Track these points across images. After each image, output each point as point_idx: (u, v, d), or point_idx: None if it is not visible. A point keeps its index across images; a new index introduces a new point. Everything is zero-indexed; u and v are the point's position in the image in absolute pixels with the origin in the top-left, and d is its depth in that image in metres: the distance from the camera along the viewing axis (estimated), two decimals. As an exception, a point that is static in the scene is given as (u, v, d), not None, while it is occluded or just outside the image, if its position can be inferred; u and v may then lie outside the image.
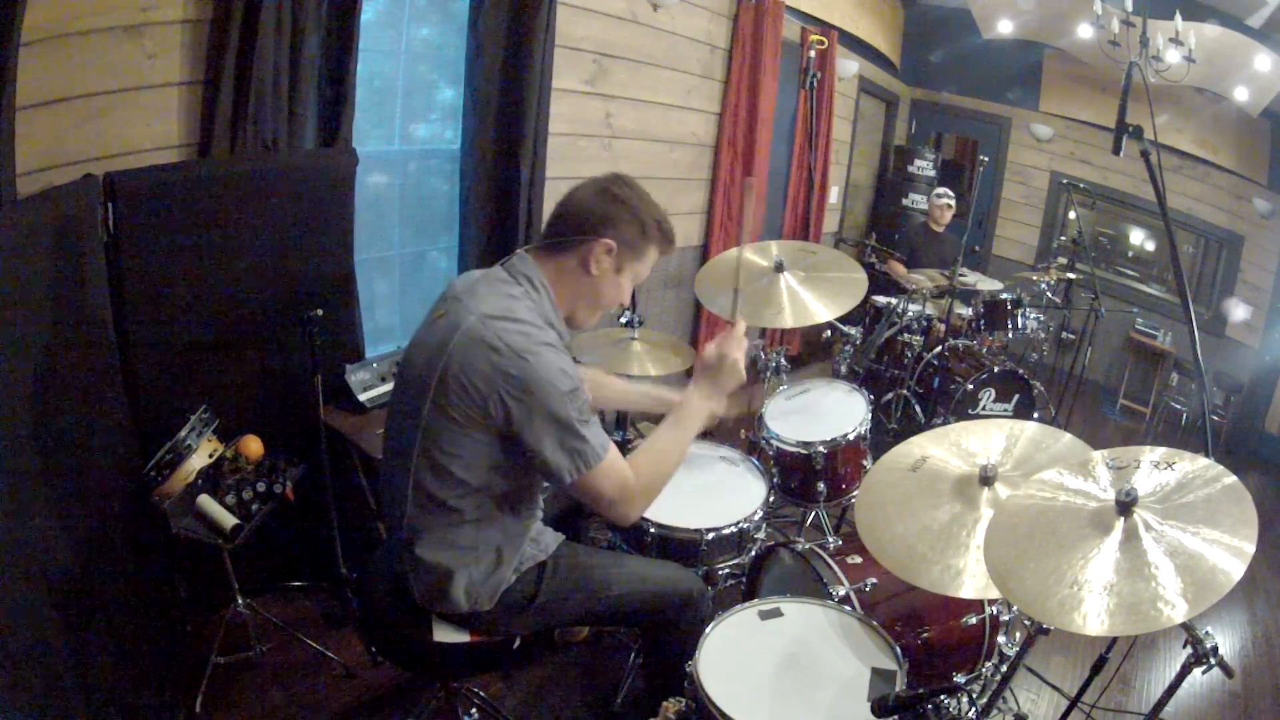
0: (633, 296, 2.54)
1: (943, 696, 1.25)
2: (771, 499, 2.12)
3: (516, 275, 1.46)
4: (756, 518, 2.01)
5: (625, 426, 2.75)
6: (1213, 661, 1.21)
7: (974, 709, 1.51)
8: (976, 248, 5.66)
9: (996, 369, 3.78)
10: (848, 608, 1.67)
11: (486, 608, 1.51)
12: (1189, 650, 1.22)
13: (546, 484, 1.64)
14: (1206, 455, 1.29)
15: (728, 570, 2.00)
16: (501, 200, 2.85)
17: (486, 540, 1.47)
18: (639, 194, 1.50)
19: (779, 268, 2.38)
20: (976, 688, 1.82)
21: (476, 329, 1.34)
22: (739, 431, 2.64)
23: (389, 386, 2.38)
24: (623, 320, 2.55)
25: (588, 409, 1.40)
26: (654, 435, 1.56)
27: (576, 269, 1.47)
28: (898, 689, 1.37)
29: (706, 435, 2.70)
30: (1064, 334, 5.20)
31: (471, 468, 1.39)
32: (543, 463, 1.37)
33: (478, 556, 1.47)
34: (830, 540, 2.02)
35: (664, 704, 1.43)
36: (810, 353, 5.29)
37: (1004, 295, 4.14)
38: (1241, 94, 4.61)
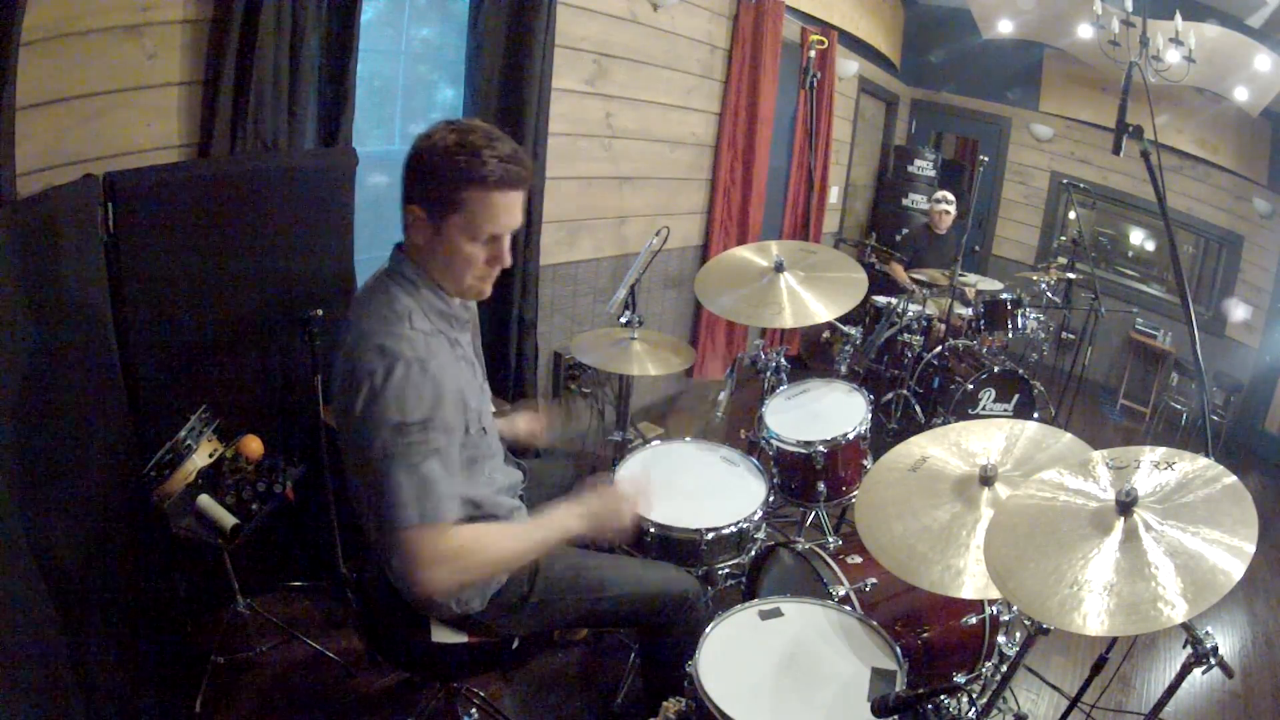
0: (633, 296, 2.55)
1: (943, 696, 1.25)
2: (771, 499, 2.12)
3: (392, 273, 1.40)
4: (756, 518, 2.01)
5: (625, 426, 2.74)
6: (1213, 661, 1.20)
7: (974, 709, 1.52)
8: (977, 248, 5.66)
9: (996, 369, 3.78)
10: (848, 608, 1.67)
11: (478, 608, 1.50)
12: (1189, 650, 1.22)
13: (513, 483, 1.64)
14: (1206, 455, 1.29)
15: (728, 570, 2.00)
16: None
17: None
18: (438, 141, 1.29)
19: (779, 268, 2.38)
20: (976, 688, 1.82)
21: (351, 349, 1.31)
22: (739, 431, 2.63)
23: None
24: (623, 320, 2.55)
25: (428, 446, 1.25)
26: (505, 527, 1.49)
27: (415, 243, 1.37)
28: (898, 689, 1.37)
29: (706, 435, 2.70)
30: (1064, 334, 5.20)
31: None
32: (373, 493, 1.28)
33: None
34: (830, 540, 2.02)
35: (664, 704, 1.43)
36: (810, 349, 5.29)
37: (1004, 295, 4.14)
38: (1241, 94, 4.61)
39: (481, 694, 2.05)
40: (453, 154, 1.27)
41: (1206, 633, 1.21)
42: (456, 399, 1.35)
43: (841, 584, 1.78)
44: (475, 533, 1.35)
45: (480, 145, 1.27)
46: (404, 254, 1.40)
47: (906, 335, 4.07)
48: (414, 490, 1.25)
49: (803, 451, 2.32)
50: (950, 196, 4.93)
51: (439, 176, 1.29)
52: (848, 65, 5.25)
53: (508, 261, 1.40)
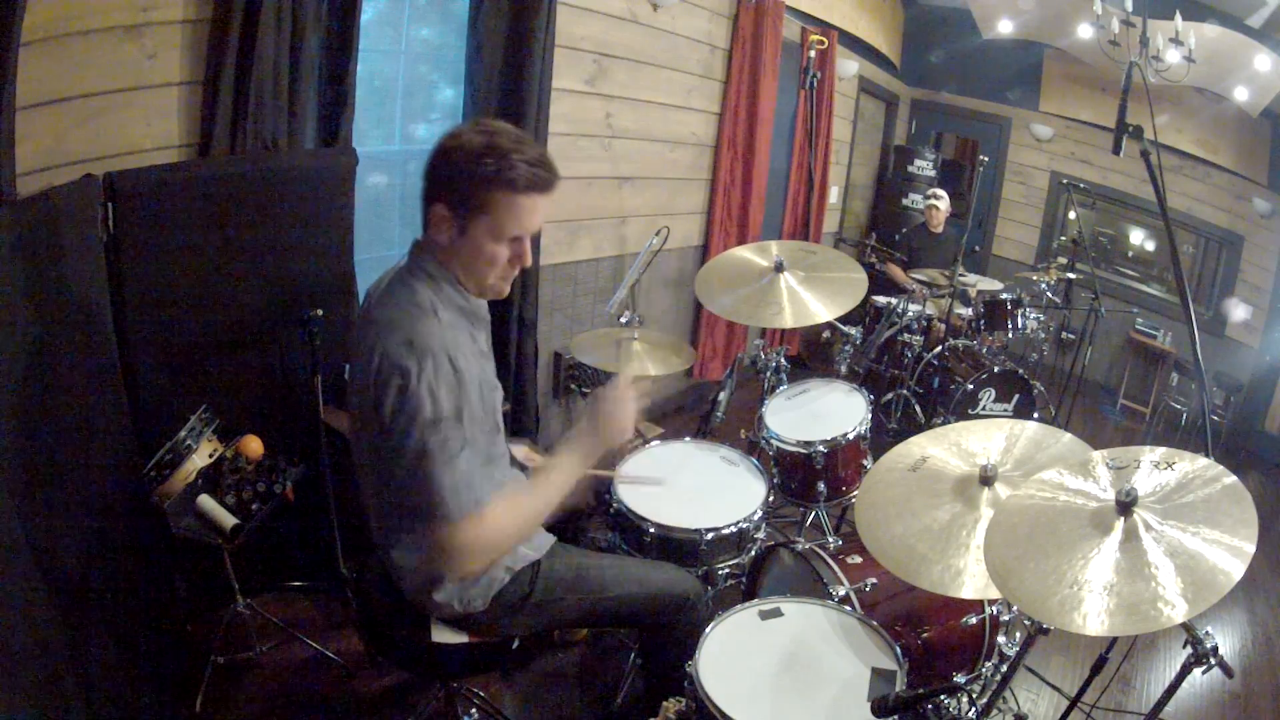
0: (633, 297, 2.56)
1: (943, 696, 1.25)
2: (771, 499, 2.12)
3: (414, 269, 1.40)
4: (756, 518, 2.01)
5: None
6: (1213, 661, 1.21)
7: (974, 709, 1.52)
8: (977, 248, 5.66)
9: (996, 369, 3.78)
10: (848, 608, 1.67)
11: (480, 608, 1.50)
12: (1189, 650, 1.22)
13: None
14: (1206, 455, 1.29)
15: (728, 570, 2.00)
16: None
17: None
18: (467, 141, 1.30)
19: (779, 268, 2.38)
20: (976, 688, 1.82)
21: (376, 344, 1.30)
22: (739, 431, 2.64)
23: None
24: (623, 320, 2.55)
25: (462, 437, 1.28)
26: (519, 491, 1.48)
27: (434, 242, 1.38)
28: (898, 689, 1.37)
29: (706, 435, 2.70)
30: (1064, 334, 5.20)
31: None
32: (411, 487, 1.29)
33: None
34: (830, 540, 2.02)
35: (664, 704, 1.43)
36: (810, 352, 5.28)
37: (1004, 295, 4.14)
38: (1241, 94, 4.61)
39: (481, 694, 2.05)
40: (481, 156, 1.28)
41: (1206, 633, 1.21)
42: (479, 389, 1.37)
43: (841, 584, 1.78)
44: (501, 512, 1.35)
45: (509, 149, 1.29)
46: (425, 250, 1.41)
47: (906, 335, 4.07)
48: (453, 484, 1.27)
49: (803, 451, 2.32)
50: (941, 193, 4.94)
51: (467, 178, 1.30)
52: (848, 65, 5.24)
53: (529, 261, 1.42)
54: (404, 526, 1.44)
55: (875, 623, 1.57)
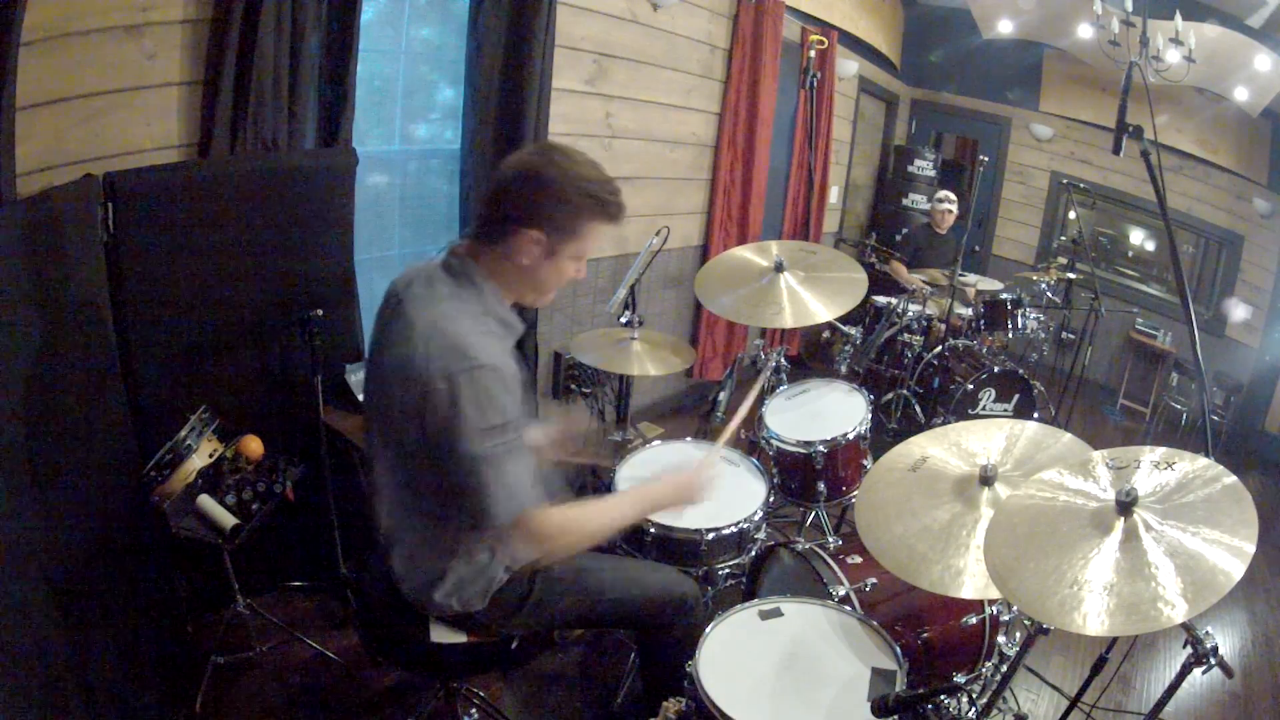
0: (633, 296, 2.55)
1: (943, 696, 1.25)
2: (771, 499, 2.12)
3: (456, 274, 1.39)
4: (756, 518, 2.01)
5: (625, 426, 2.74)
6: (1213, 661, 1.21)
7: (974, 709, 1.52)
8: (977, 248, 5.65)
9: (996, 369, 3.78)
10: (848, 608, 1.67)
11: (479, 607, 1.50)
12: (1189, 650, 1.22)
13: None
14: (1206, 455, 1.29)
15: (728, 570, 2.00)
16: (501, 200, 2.86)
17: (471, 540, 1.45)
18: (566, 170, 1.34)
19: (779, 268, 2.38)
20: (976, 688, 1.82)
21: (419, 348, 1.29)
22: (739, 431, 2.64)
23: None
24: (623, 320, 2.55)
25: (511, 445, 1.31)
26: (600, 500, 1.56)
27: (509, 260, 1.37)
28: (898, 689, 1.37)
29: (707, 435, 2.70)
30: (1064, 334, 5.20)
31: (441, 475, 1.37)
32: (460, 493, 1.31)
33: (466, 556, 1.46)
34: (830, 540, 2.02)
35: (664, 704, 1.43)
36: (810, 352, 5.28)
37: (1004, 295, 4.14)
38: (1241, 94, 4.61)
39: (481, 694, 2.05)
40: (589, 190, 1.34)
41: (1206, 633, 1.21)
42: (520, 400, 1.38)
43: (841, 584, 1.78)
44: (572, 511, 1.43)
45: (606, 180, 1.38)
46: (470, 257, 1.40)
47: (906, 335, 4.07)
48: (503, 490, 1.30)
49: (803, 451, 2.32)
50: (952, 196, 4.93)
51: (572, 208, 1.34)
52: (848, 65, 5.24)
53: (584, 274, 1.48)
54: (413, 526, 1.44)
55: (875, 623, 1.57)
